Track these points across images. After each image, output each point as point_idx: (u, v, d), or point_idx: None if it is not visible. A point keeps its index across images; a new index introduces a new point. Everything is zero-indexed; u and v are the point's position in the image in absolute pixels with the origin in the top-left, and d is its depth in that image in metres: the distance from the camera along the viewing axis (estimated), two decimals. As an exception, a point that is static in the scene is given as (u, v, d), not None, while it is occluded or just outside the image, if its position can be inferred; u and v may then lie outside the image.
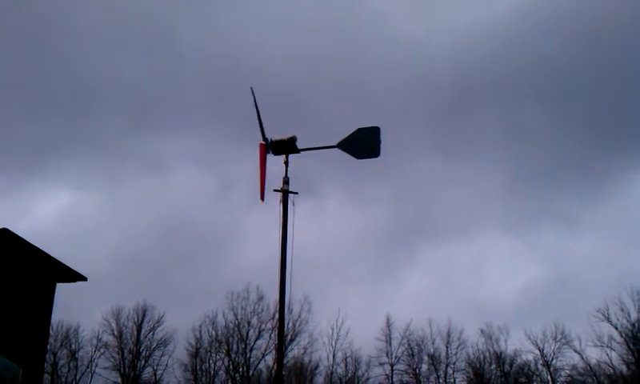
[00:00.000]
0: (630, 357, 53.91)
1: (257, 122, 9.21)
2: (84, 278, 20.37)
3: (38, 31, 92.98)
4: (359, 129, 9.23)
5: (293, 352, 58.55)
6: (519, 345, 58.59)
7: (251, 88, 9.05)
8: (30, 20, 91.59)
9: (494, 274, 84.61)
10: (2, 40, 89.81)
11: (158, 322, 61.06)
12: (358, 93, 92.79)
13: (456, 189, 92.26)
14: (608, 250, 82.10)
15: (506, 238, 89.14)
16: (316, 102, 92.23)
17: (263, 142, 9.15)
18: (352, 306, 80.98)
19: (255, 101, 9.11)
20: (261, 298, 60.49)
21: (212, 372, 60.65)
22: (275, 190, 8.94)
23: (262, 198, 8.92)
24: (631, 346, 53.61)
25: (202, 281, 75.40)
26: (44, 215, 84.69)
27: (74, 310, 51.88)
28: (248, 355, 59.37)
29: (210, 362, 61.08)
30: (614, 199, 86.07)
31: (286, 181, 8.96)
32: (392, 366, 59.76)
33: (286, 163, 9.08)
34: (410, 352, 60.53)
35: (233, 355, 59.92)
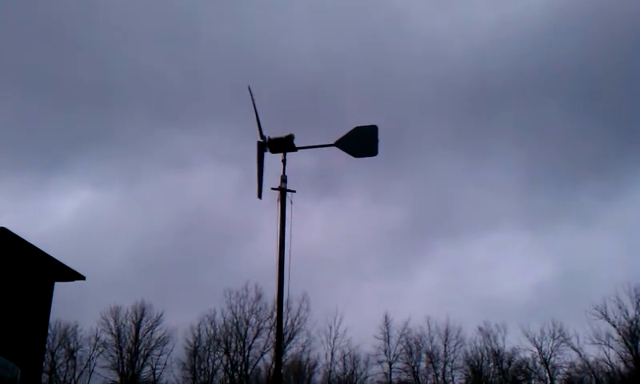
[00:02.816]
0: (627, 354, 54.10)
1: (255, 120, 9.18)
2: (82, 277, 20.38)
3: (59, 26, 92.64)
4: (357, 127, 9.18)
5: (291, 350, 58.72)
6: (517, 342, 58.83)
7: (249, 87, 8.96)
8: (51, 15, 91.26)
9: (505, 272, 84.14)
10: (23, 35, 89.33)
11: (156, 321, 61.17)
12: (378, 90, 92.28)
13: (474, 187, 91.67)
14: (621, 249, 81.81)
15: (521, 236, 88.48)
16: (337, 99, 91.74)
17: (261, 140, 9.13)
18: (355, 304, 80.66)
19: (253, 99, 9.04)
20: (259, 297, 60.64)
21: (210, 371, 60.66)
22: (273, 189, 8.92)
23: (260, 196, 8.92)
24: (629, 343, 53.78)
25: (201, 279, 75.35)
26: (62, 213, 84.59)
27: (72, 308, 51.83)
28: (246, 354, 59.43)
29: (209, 360, 61.09)
30: (632, 198, 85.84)
31: (284, 179, 8.93)
32: (390, 364, 59.85)
33: (284, 161, 9.04)
34: (409, 350, 60.65)
35: (231, 354, 59.93)
